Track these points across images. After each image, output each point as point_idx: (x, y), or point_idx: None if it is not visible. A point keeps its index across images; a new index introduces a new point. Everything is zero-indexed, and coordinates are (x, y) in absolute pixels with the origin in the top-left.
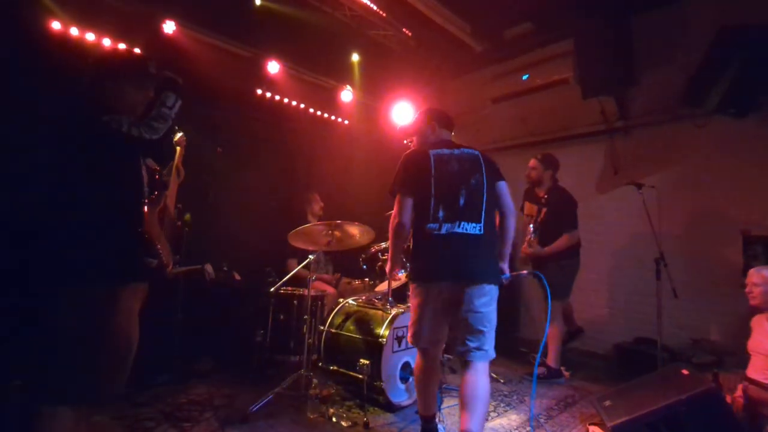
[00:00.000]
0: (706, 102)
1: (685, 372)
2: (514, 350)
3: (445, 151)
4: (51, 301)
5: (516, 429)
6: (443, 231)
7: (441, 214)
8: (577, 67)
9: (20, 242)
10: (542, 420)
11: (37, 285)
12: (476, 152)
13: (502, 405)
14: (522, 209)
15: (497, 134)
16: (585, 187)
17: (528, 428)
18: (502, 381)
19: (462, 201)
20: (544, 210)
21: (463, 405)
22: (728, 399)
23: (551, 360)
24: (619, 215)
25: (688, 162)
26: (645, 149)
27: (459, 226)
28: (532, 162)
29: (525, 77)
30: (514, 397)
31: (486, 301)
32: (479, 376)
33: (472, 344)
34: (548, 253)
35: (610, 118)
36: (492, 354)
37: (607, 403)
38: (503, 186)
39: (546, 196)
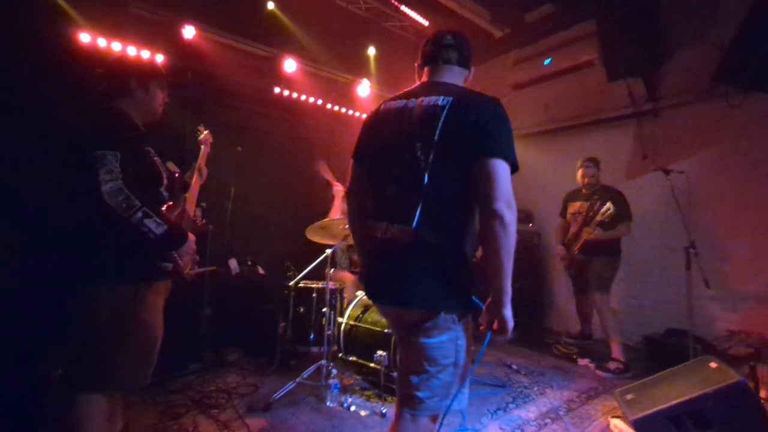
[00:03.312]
0: (741, 78)
1: (713, 365)
2: (539, 341)
3: (397, 103)
4: (85, 300)
5: (534, 420)
6: (372, 232)
7: (370, 205)
8: (602, 49)
9: (57, 247)
10: (561, 412)
11: (73, 285)
12: (446, 100)
13: (521, 396)
14: (562, 213)
15: (519, 122)
16: (612, 173)
17: (546, 420)
18: (522, 373)
19: (390, 189)
20: (599, 201)
21: None
22: (762, 393)
23: (617, 353)
24: (649, 202)
25: (720, 144)
26: (675, 132)
27: (383, 229)
28: (586, 165)
29: (547, 61)
30: (535, 389)
31: (422, 331)
32: None
33: (402, 388)
34: (608, 238)
35: (638, 101)
36: (435, 409)
37: (629, 396)
38: (492, 167)
39: (598, 190)
